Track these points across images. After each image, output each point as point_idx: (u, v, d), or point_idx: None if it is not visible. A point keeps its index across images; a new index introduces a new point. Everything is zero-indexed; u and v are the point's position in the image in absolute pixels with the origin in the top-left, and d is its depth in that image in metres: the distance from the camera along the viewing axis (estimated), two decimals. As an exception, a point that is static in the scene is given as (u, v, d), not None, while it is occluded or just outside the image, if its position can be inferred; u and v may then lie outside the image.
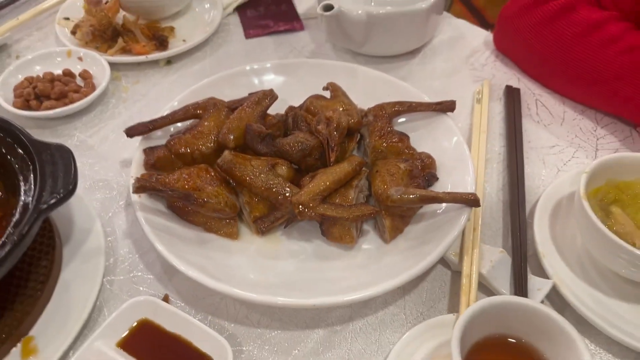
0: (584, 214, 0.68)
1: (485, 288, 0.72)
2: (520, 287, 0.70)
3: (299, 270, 0.72)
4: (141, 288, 0.73)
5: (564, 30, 0.93)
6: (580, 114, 0.97)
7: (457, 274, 0.74)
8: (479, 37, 1.14)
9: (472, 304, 0.67)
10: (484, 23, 1.42)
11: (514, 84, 1.02)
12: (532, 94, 1.01)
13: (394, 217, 0.74)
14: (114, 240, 0.78)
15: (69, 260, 0.73)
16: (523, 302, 0.59)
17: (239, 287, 0.65)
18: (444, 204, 0.75)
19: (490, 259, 0.72)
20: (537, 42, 0.98)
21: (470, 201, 0.72)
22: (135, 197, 0.74)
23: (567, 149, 0.91)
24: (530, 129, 0.94)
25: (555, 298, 0.71)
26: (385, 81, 0.93)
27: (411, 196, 0.71)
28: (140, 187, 0.71)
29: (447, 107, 0.87)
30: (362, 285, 0.66)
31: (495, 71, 1.06)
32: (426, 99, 0.89)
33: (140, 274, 0.74)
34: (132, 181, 0.73)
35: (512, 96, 0.99)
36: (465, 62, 1.08)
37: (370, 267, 0.71)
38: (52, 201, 0.64)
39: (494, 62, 1.08)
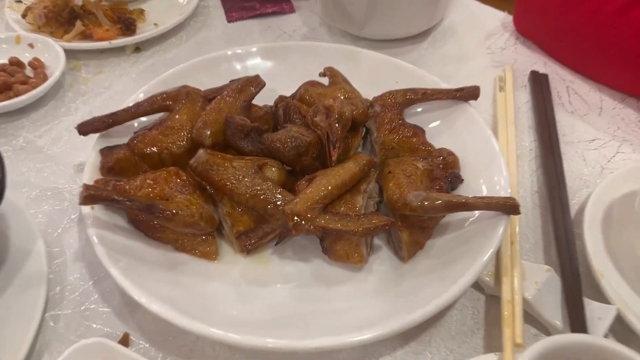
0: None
1: (530, 317, 0.57)
2: (576, 317, 0.55)
3: (294, 300, 0.57)
4: (95, 325, 0.58)
5: (602, 4, 0.79)
6: (620, 102, 0.83)
7: (492, 299, 0.60)
8: (494, 18, 1.00)
9: (518, 340, 0.53)
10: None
11: (540, 69, 0.89)
12: (562, 80, 0.87)
13: (413, 229, 0.59)
14: (62, 263, 0.63)
15: (1, 291, 0.57)
16: (597, 343, 0.45)
17: (219, 326, 0.51)
18: (475, 212, 0.60)
19: (534, 279, 0.58)
20: (568, 20, 0.84)
21: (508, 207, 0.58)
22: (86, 210, 0.59)
23: (610, 143, 0.77)
24: (563, 121, 0.80)
25: (617, 327, 0.56)
26: (392, 66, 0.79)
27: (435, 203, 0.57)
28: (90, 196, 0.55)
29: (469, 94, 0.73)
30: (375, 320, 0.52)
31: (517, 55, 0.92)
32: (443, 85, 0.74)
33: (93, 306, 0.59)
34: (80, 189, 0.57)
35: (539, 83, 0.85)
36: (482, 45, 0.94)
37: (385, 294, 0.57)
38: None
39: (515, 45, 0.94)
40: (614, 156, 0.75)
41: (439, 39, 0.96)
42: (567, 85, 0.86)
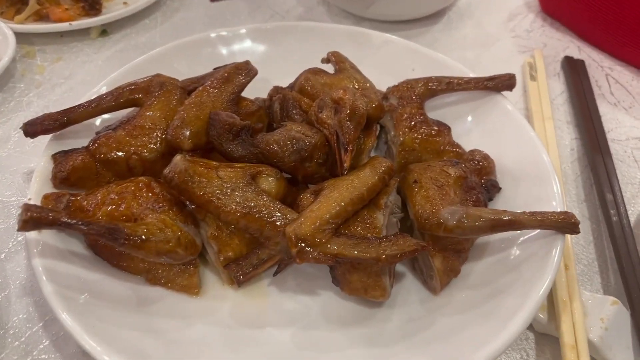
0: None
1: (593, 361, 0.46)
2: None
3: (299, 349, 0.47)
4: (44, 383, 0.45)
5: None
6: (669, 92, 0.72)
7: (545, 338, 0.50)
8: (516, -2, 0.88)
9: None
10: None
11: (574, 54, 0.77)
12: (600, 67, 0.76)
13: (446, 254, 0.48)
14: (4, 300, 0.53)
15: None
16: None
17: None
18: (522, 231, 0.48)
19: (599, 315, 0.48)
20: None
21: (566, 225, 0.47)
22: (32, 235, 0.46)
23: (662, 140, 0.66)
24: (606, 114, 0.69)
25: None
26: (408, 50, 0.69)
27: (478, 222, 0.46)
28: (31, 220, 0.43)
29: (502, 84, 0.62)
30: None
31: (546, 39, 0.81)
32: (470, 73, 0.63)
33: (44, 357, 0.47)
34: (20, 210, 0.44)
35: (575, 71, 0.74)
36: (504, 27, 0.84)
37: (414, 339, 0.47)
38: None
39: (542, 28, 0.83)
40: (669, 156, 0.64)
41: (454, 20, 0.85)
42: (606, 73, 0.75)
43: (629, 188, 0.61)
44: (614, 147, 0.65)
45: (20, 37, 0.75)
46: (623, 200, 0.57)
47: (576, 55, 0.77)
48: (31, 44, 0.79)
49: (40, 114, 0.67)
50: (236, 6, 0.88)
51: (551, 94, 0.71)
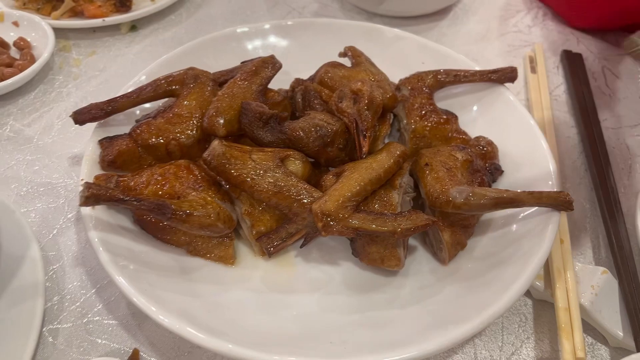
0: None
1: (584, 323, 0.51)
2: (638, 325, 0.49)
3: (324, 311, 0.52)
4: (99, 340, 0.52)
5: None
6: (660, 83, 0.77)
7: (541, 304, 0.55)
8: (518, -6, 0.93)
9: (579, 354, 0.48)
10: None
11: (573, 47, 0.82)
12: (596, 59, 0.80)
13: (455, 228, 0.54)
14: (59, 269, 0.57)
15: (-9, 304, 0.51)
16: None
17: (239, 342, 0.45)
18: (521, 209, 0.54)
19: (590, 283, 0.53)
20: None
21: (561, 203, 0.53)
22: (86, 211, 0.53)
23: (654, 129, 0.71)
24: (601, 105, 0.74)
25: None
26: (418, 45, 0.74)
27: (483, 199, 0.51)
28: (92, 196, 0.48)
29: (505, 76, 0.67)
30: (419, 335, 0.47)
31: (547, 32, 0.86)
32: (476, 67, 0.68)
33: (97, 318, 0.54)
34: (81, 188, 0.50)
35: (573, 64, 0.79)
36: (507, 23, 0.88)
37: (425, 303, 0.52)
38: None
39: (543, 22, 0.88)
40: (659, 143, 0.70)
41: (460, 16, 0.89)
42: (602, 66, 0.80)
43: (620, 172, 0.67)
44: (607, 135, 0.70)
45: (57, 32, 0.80)
46: (614, 183, 0.63)
47: (575, 49, 0.82)
48: (67, 38, 0.83)
49: (79, 103, 0.74)
50: (255, 2, 0.92)
51: (550, 86, 0.76)
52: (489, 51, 0.83)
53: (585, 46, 0.83)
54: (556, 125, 0.71)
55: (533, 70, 0.77)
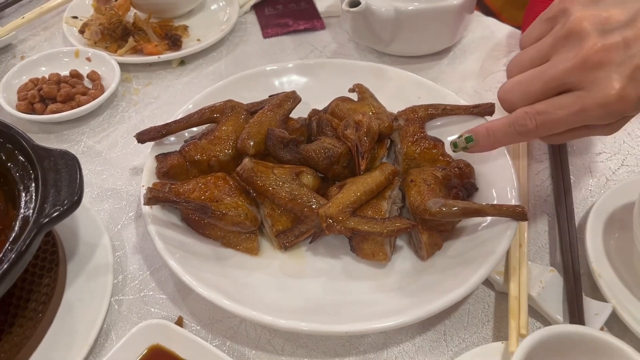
0: (647, 229, 0.60)
1: (534, 311, 0.64)
2: (575, 312, 0.62)
3: (326, 292, 0.65)
4: (152, 309, 0.66)
5: None
6: (627, 118, 0.89)
7: (502, 295, 0.67)
8: (512, 37, 1.07)
9: (522, 330, 0.60)
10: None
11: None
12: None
13: (432, 232, 0.67)
14: (122, 255, 0.72)
15: (74, 278, 0.67)
16: (589, 333, 0.52)
17: (260, 310, 0.59)
18: (487, 218, 0.67)
19: (539, 279, 0.65)
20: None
21: (517, 214, 0.65)
22: (146, 209, 0.68)
23: (616, 156, 0.84)
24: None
25: (613, 323, 0.63)
26: (416, 82, 0.86)
27: (452, 209, 0.64)
28: (153, 197, 0.64)
29: (485, 110, 0.79)
30: (397, 310, 0.60)
31: (533, 72, 0.98)
32: (462, 101, 0.82)
33: (151, 293, 0.68)
34: (143, 191, 0.66)
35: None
36: (500, 62, 1.01)
37: (405, 288, 0.64)
38: (55, 214, 0.57)
39: (530, 63, 1.00)
40: (618, 169, 0.82)
41: (459, 55, 1.03)
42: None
43: (583, 192, 0.78)
44: (575, 161, 0.83)
45: (122, 66, 0.94)
46: (571, 202, 0.74)
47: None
48: (129, 71, 0.99)
49: (138, 125, 0.90)
50: (284, 42, 1.07)
51: (531, 118, 0.90)
52: (481, 87, 0.96)
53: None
54: (530, 151, 0.84)
55: (515, 104, 0.90)
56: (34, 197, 0.60)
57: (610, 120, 0.55)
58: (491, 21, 1.12)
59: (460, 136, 0.63)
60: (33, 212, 0.58)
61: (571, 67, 0.53)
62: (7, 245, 0.56)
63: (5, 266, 0.53)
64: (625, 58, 0.51)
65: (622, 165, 0.82)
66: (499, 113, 0.79)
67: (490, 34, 1.07)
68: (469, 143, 0.63)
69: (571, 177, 0.79)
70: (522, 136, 0.59)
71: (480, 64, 1.01)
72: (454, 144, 0.63)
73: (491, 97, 0.93)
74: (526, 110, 0.57)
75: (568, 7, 0.56)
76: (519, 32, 1.08)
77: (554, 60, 0.56)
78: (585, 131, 0.59)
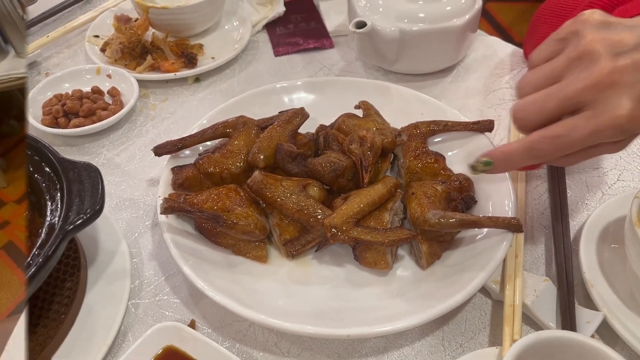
0: (636, 241, 0.63)
1: (528, 319, 0.67)
2: (568, 320, 0.65)
3: (330, 298, 0.69)
4: (167, 312, 0.70)
5: None
6: (624, 134, 0.92)
7: (498, 304, 0.70)
8: (514, 55, 1.10)
9: (516, 336, 0.63)
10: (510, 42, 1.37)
11: (553, 103, 0.98)
12: (572, 113, 0.96)
13: (431, 242, 0.70)
14: (139, 261, 0.76)
15: (94, 282, 0.71)
16: (577, 338, 0.55)
17: (268, 314, 0.63)
18: (484, 229, 0.71)
19: (534, 288, 0.68)
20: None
21: (513, 226, 0.68)
22: (162, 218, 0.72)
23: (612, 172, 0.87)
24: (571, 150, 0.89)
25: (604, 331, 0.66)
26: (419, 100, 0.90)
27: (450, 220, 0.68)
28: (169, 207, 0.68)
29: (484, 126, 0.83)
30: (398, 315, 0.63)
31: (533, 90, 1.01)
32: (463, 118, 0.86)
33: (166, 297, 0.72)
34: (160, 201, 0.71)
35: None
36: (502, 79, 1.04)
37: (406, 295, 0.68)
38: (79, 221, 0.62)
39: (531, 81, 1.03)
40: (614, 183, 0.85)
41: (462, 73, 1.07)
42: (576, 118, 0.95)
43: (579, 206, 0.81)
44: (573, 176, 0.85)
45: (140, 83, 0.99)
46: (567, 215, 0.77)
47: (555, 103, 0.99)
48: (146, 87, 1.03)
49: (154, 139, 0.95)
50: (294, 60, 1.11)
51: (530, 134, 0.93)
52: (483, 104, 1.00)
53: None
54: (530, 166, 0.87)
55: (516, 120, 0.94)
56: (59, 206, 0.65)
57: (621, 137, 0.57)
58: (494, 40, 1.15)
59: (477, 160, 0.64)
60: (59, 220, 0.62)
61: (584, 87, 0.55)
62: (34, 250, 0.60)
63: (33, 269, 0.58)
64: (635, 80, 0.54)
65: (617, 180, 0.85)
66: (498, 129, 0.83)
67: (493, 53, 1.11)
68: (487, 166, 0.64)
69: (568, 191, 0.82)
70: (539, 159, 0.61)
71: (482, 81, 1.05)
72: (473, 167, 0.64)
73: (493, 114, 0.97)
74: (542, 134, 0.58)
75: (580, 29, 0.58)
76: (521, 50, 1.12)
77: (568, 80, 0.57)
78: (595, 150, 0.61)
